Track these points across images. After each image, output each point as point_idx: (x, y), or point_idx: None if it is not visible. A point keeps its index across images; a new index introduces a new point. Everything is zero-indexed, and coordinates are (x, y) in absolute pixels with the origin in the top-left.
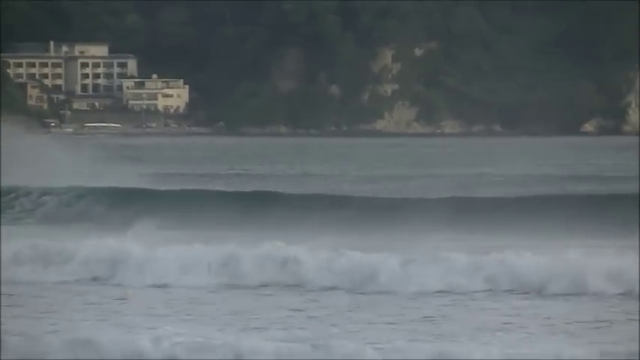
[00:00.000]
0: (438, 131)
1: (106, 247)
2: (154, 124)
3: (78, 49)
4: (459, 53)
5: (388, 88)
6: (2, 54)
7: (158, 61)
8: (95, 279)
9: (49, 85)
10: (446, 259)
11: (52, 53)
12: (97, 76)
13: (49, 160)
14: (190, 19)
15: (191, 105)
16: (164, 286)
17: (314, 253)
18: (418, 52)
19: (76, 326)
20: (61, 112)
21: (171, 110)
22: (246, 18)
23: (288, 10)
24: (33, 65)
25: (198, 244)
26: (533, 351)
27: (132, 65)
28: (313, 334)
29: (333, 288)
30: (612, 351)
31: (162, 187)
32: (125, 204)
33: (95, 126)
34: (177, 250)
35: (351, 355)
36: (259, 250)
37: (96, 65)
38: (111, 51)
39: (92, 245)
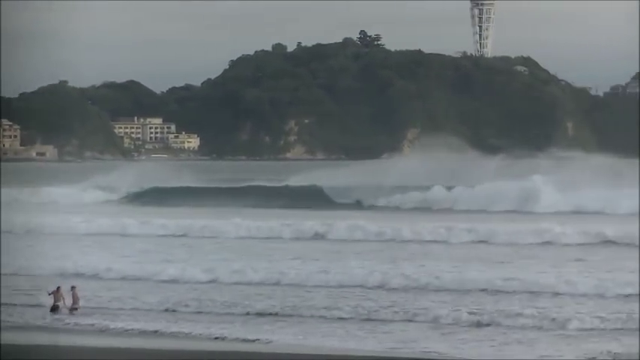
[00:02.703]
0: (314, 158)
1: None
2: (182, 155)
3: (148, 120)
4: (324, 124)
5: (291, 139)
6: (113, 122)
7: (185, 126)
8: None
9: (134, 137)
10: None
11: (136, 122)
12: (156, 132)
13: (142, 171)
14: (199, 107)
15: (200, 146)
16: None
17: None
18: (307, 121)
19: None
20: (140, 149)
21: (191, 148)
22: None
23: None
24: (127, 128)
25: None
26: None
27: (173, 128)
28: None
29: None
30: None
31: (207, 185)
32: (189, 195)
33: (156, 156)
34: None
35: None
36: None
37: (156, 128)
38: (163, 121)
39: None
